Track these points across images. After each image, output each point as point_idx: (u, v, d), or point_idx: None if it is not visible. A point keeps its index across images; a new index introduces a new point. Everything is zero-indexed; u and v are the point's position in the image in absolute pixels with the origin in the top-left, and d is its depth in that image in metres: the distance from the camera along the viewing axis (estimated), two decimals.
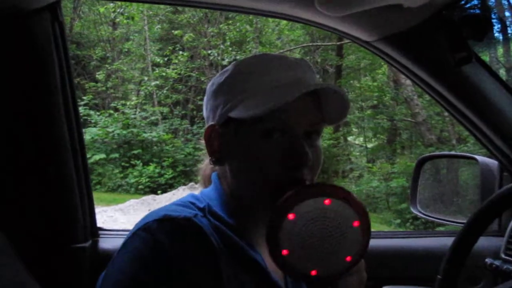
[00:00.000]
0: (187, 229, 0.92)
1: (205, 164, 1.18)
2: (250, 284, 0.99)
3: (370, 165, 12.39)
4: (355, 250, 0.90)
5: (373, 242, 1.68)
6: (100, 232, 1.55)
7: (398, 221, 9.68)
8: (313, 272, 0.90)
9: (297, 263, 0.88)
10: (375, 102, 13.45)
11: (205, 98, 1.10)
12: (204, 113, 1.11)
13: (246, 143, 0.98)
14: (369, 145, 14.01)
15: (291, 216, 0.85)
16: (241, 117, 0.96)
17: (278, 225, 0.85)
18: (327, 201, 0.85)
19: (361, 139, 14.57)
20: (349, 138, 14.75)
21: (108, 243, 1.50)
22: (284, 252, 0.87)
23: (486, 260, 1.47)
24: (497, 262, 1.44)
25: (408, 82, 10.77)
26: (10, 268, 0.77)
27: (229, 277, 0.94)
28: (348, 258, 0.90)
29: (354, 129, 14.92)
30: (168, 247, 0.88)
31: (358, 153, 14.52)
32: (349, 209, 0.87)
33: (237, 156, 1.00)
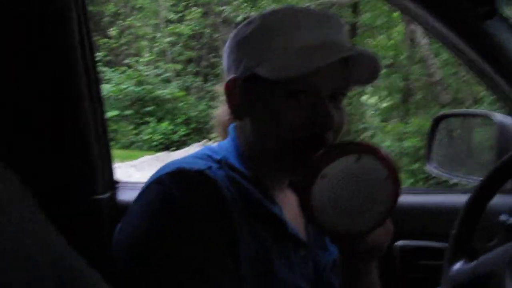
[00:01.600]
0: (199, 181, 0.92)
1: (221, 111, 1.15)
2: (267, 237, 1.00)
3: (383, 124, 12.30)
4: (385, 205, 0.91)
5: None
6: (119, 184, 1.58)
7: (411, 180, 9.67)
8: (345, 230, 0.91)
9: (329, 221, 0.89)
10: (391, 61, 13.27)
11: (226, 46, 1.06)
12: (225, 62, 1.06)
13: (269, 101, 0.96)
14: (383, 105, 13.89)
15: (323, 175, 0.85)
16: (267, 76, 0.93)
17: (310, 184, 0.86)
18: (357, 159, 0.86)
19: (375, 98, 14.43)
20: (363, 98, 14.63)
21: (126, 195, 1.53)
22: (317, 210, 0.88)
23: (501, 216, 1.47)
24: (511, 219, 1.44)
25: (424, 41, 10.57)
26: (35, 221, 0.79)
27: (244, 230, 0.95)
28: (379, 214, 0.91)
29: (368, 89, 14.78)
30: (179, 200, 0.89)
31: (371, 113, 14.41)
32: (379, 164, 0.87)
33: (259, 112, 0.98)
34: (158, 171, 0.98)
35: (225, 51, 1.07)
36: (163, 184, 0.92)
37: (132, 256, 0.90)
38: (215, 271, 0.88)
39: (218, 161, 1.01)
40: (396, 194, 0.91)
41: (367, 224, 0.91)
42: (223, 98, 1.06)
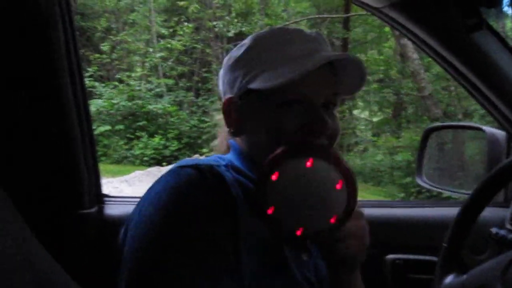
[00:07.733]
0: (208, 175, 0.94)
1: (220, 139, 1.20)
2: (267, 236, 1.00)
3: (375, 138, 12.36)
4: (340, 212, 0.91)
5: (379, 211, 1.70)
6: (106, 199, 1.56)
7: (402, 194, 9.71)
8: (298, 232, 0.92)
9: (283, 221, 0.91)
10: (381, 75, 13.37)
11: (221, 72, 1.12)
12: (220, 87, 1.13)
13: (265, 113, 1.00)
14: (375, 119, 13.97)
15: (274, 175, 0.88)
16: (261, 88, 0.98)
17: (263, 184, 0.88)
18: (309, 162, 0.87)
19: (367, 113, 14.51)
20: (355, 112, 14.70)
21: (113, 210, 1.51)
22: (270, 210, 0.89)
23: (492, 229, 1.46)
24: (502, 232, 1.43)
25: (415, 55, 10.66)
26: (14, 226, 0.77)
27: (248, 228, 0.95)
28: (333, 219, 0.91)
29: (359, 103, 14.85)
30: (186, 190, 0.91)
31: (363, 127, 14.49)
32: (333, 170, 0.88)
33: (256, 125, 1.02)
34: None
35: (219, 77, 1.13)
36: (173, 175, 0.94)
37: (137, 248, 0.90)
38: (217, 265, 0.89)
39: (225, 166, 1.04)
40: (351, 200, 0.91)
41: (320, 227, 0.92)
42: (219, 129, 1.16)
